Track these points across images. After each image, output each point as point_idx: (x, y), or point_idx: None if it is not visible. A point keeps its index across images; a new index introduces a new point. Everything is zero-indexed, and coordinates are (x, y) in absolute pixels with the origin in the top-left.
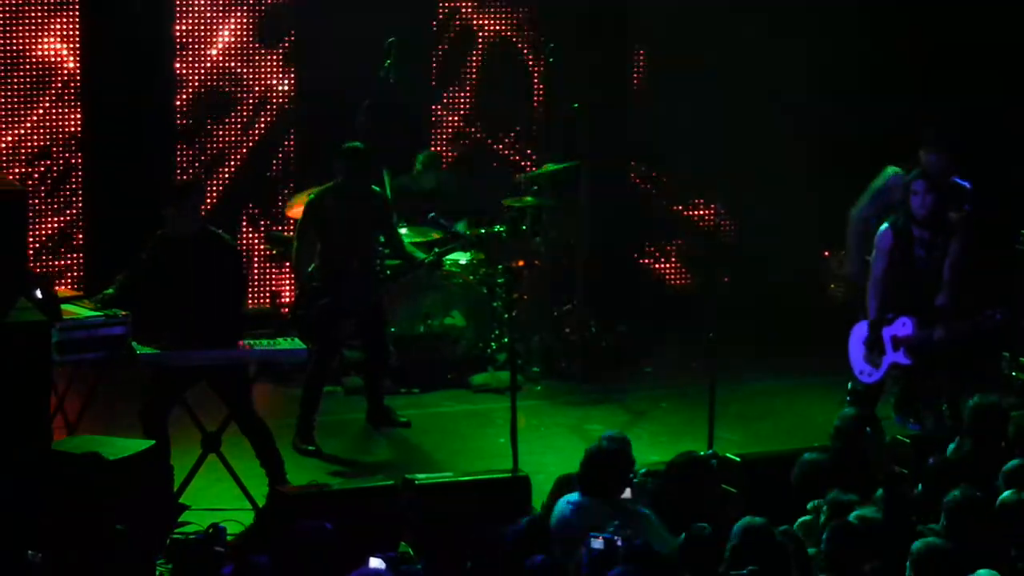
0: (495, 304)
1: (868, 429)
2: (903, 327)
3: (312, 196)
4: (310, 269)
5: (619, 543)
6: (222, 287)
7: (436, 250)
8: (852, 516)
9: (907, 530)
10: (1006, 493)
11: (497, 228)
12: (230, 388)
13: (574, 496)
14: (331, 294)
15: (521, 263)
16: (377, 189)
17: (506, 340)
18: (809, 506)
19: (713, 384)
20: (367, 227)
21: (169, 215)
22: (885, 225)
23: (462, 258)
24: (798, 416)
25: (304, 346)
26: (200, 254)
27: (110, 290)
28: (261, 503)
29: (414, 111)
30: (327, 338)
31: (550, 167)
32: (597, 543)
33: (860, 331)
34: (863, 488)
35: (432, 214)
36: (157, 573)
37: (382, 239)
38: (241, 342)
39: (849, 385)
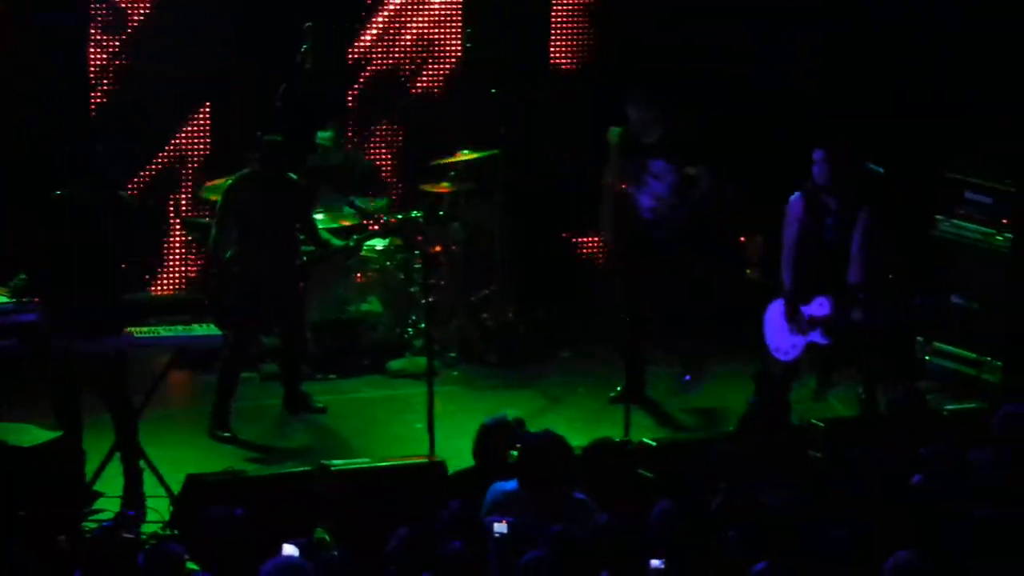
0: (412, 290)
1: (778, 416)
2: (820, 307)
3: (229, 183)
4: (228, 255)
5: (521, 527)
6: (121, 256)
7: (355, 236)
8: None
9: (819, 514)
10: (917, 477)
11: (414, 213)
12: (112, 370)
13: (510, 485)
14: (249, 281)
15: (439, 248)
16: (295, 177)
17: (423, 326)
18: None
19: (629, 368)
20: (284, 215)
21: (71, 177)
22: (796, 193)
23: (379, 244)
24: (715, 401)
25: (220, 332)
26: (101, 219)
27: (22, 275)
28: (176, 490)
29: (330, 95)
30: (244, 325)
31: (467, 153)
32: (500, 527)
33: (776, 308)
34: (775, 474)
35: (351, 198)
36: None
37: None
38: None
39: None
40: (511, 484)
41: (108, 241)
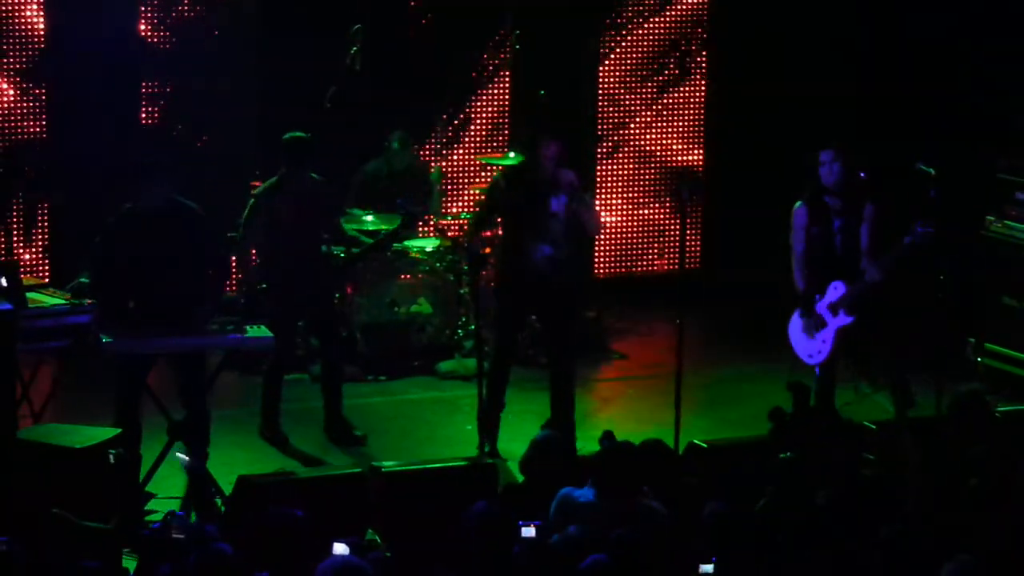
0: (461, 291)
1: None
2: (836, 291)
3: (256, 193)
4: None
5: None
6: (194, 264)
7: (383, 229)
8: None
9: (869, 515)
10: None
11: (464, 215)
12: (191, 370)
13: (585, 492)
14: (281, 286)
15: (488, 250)
16: (316, 177)
17: (473, 327)
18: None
19: (679, 370)
20: (313, 220)
21: (138, 190)
22: (799, 203)
23: (428, 245)
24: (766, 402)
25: (271, 334)
26: (170, 229)
27: (83, 278)
28: (228, 491)
29: (381, 98)
30: (281, 336)
31: (516, 158)
32: (528, 531)
33: (796, 317)
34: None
35: (400, 200)
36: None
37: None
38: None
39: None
40: (585, 493)
41: (177, 249)
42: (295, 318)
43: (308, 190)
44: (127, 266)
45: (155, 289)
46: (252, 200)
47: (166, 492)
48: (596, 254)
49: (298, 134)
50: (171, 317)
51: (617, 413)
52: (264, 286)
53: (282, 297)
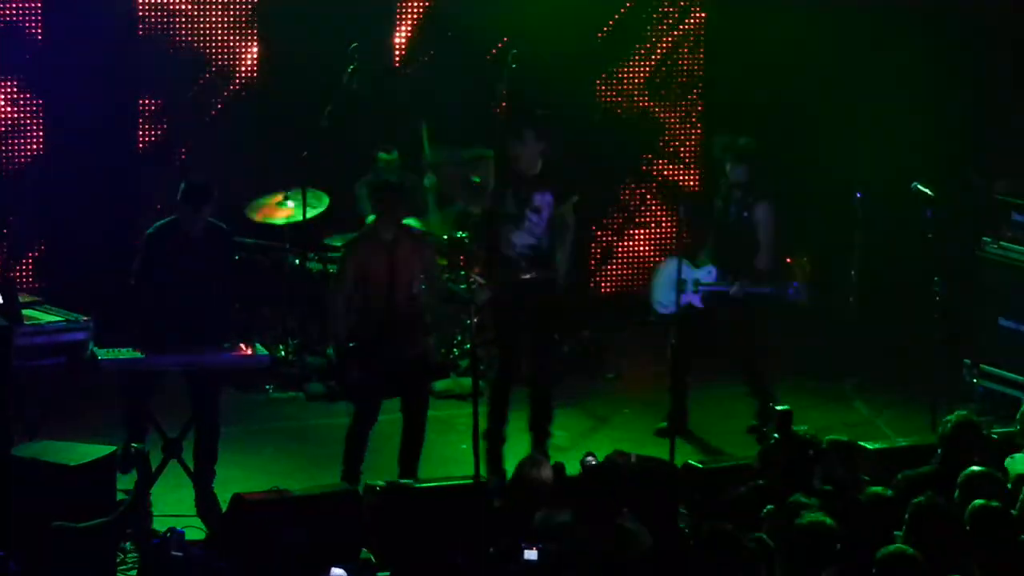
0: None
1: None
2: (708, 275)
3: (346, 244)
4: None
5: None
6: (223, 284)
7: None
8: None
9: (866, 537)
10: (977, 501)
11: (460, 234)
12: (207, 385)
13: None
14: (372, 352)
15: (478, 270)
16: (414, 230)
17: (468, 346)
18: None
19: (674, 388)
20: (408, 272)
21: (183, 212)
22: None
23: None
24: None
25: (267, 352)
26: (208, 251)
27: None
28: (223, 508)
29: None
30: (369, 402)
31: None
32: (531, 554)
33: (668, 266)
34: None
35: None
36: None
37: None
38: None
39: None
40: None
41: (211, 269)
42: (382, 379)
43: (401, 238)
44: (160, 279)
45: (183, 306)
46: (339, 262)
47: (163, 510)
48: (597, 273)
49: (388, 179)
50: (190, 334)
51: (613, 433)
52: (353, 344)
53: (370, 355)
